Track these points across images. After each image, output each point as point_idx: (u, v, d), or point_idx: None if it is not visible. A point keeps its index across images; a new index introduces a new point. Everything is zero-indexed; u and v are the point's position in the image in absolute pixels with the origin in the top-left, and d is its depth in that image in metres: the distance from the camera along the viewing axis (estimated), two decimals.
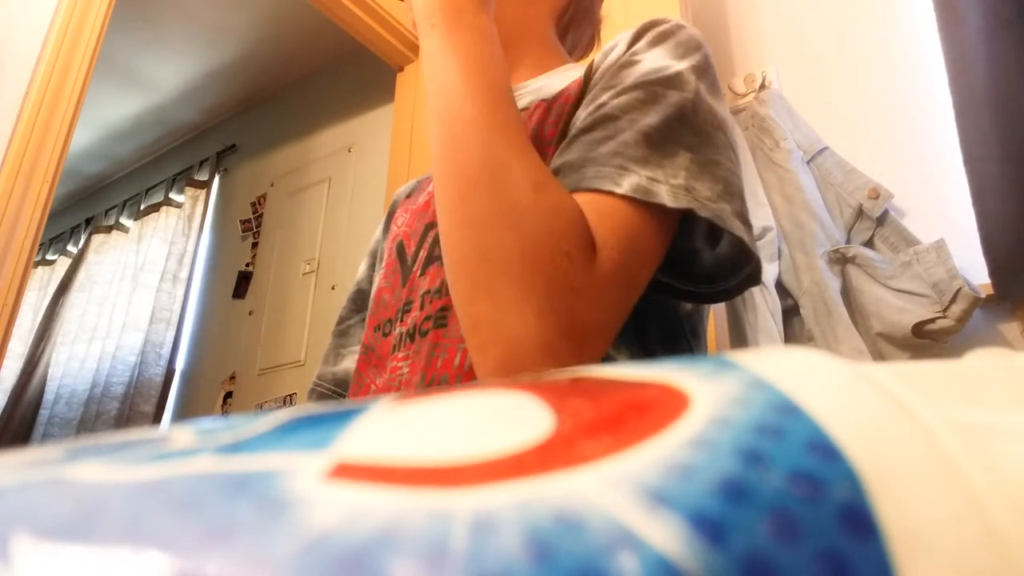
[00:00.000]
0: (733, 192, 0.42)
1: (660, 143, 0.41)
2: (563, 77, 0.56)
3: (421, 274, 0.54)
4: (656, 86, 0.43)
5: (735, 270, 0.45)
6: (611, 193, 0.39)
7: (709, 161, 0.41)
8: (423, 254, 0.56)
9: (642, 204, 0.39)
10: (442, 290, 0.50)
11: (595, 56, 0.51)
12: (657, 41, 0.47)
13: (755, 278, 0.45)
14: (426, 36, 0.43)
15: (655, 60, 0.45)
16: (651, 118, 0.42)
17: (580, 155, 0.42)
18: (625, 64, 0.46)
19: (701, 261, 0.46)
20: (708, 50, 0.47)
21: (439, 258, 0.53)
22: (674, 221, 0.41)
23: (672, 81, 0.44)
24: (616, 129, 0.42)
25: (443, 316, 0.49)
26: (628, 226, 0.38)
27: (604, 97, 0.44)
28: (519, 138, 0.39)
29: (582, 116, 0.45)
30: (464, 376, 0.46)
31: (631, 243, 0.38)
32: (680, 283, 0.46)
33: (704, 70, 0.46)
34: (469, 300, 0.37)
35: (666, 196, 0.39)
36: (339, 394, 0.64)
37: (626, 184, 0.39)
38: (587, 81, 0.50)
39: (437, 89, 0.41)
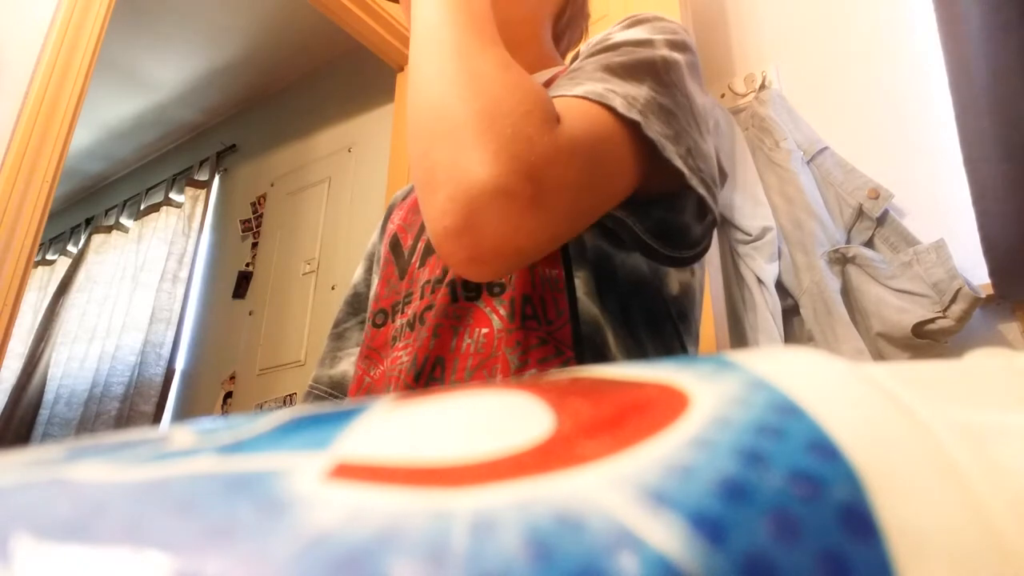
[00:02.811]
0: (681, 142, 0.42)
1: (621, 73, 0.42)
2: (551, 73, 0.58)
3: (420, 265, 0.55)
4: (627, 45, 0.45)
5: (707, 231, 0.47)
6: (564, 95, 0.40)
7: (668, 110, 0.42)
8: (421, 245, 0.56)
9: (598, 105, 0.39)
10: (443, 278, 0.51)
11: (580, 48, 0.52)
12: (634, 24, 0.49)
13: (713, 223, 0.47)
14: None
15: (630, 33, 0.47)
16: (616, 59, 0.43)
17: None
18: (601, 40, 0.48)
19: (692, 233, 0.48)
20: (689, 39, 0.49)
21: None
22: (638, 148, 0.41)
23: (644, 43, 0.45)
24: (580, 70, 0.43)
25: (437, 300, 0.50)
26: (589, 116, 0.39)
27: (576, 63, 0.46)
28: (491, 35, 0.40)
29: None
30: (460, 358, 0.47)
31: (591, 127, 0.38)
32: (669, 251, 0.48)
33: (680, 47, 0.47)
34: (427, 150, 0.37)
35: (620, 104, 0.39)
36: (335, 397, 0.64)
37: (580, 89, 0.40)
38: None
39: (417, 15, 0.42)
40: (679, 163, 0.41)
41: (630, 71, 0.42)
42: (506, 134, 0.34)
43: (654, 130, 0.40)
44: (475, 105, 0.36)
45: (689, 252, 0.48)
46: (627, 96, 0.40)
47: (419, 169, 0.37)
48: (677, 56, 0.45)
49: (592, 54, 0.45)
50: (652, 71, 0.43)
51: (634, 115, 0.39)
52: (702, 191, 0.43)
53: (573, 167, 0.37)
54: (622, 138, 0.40)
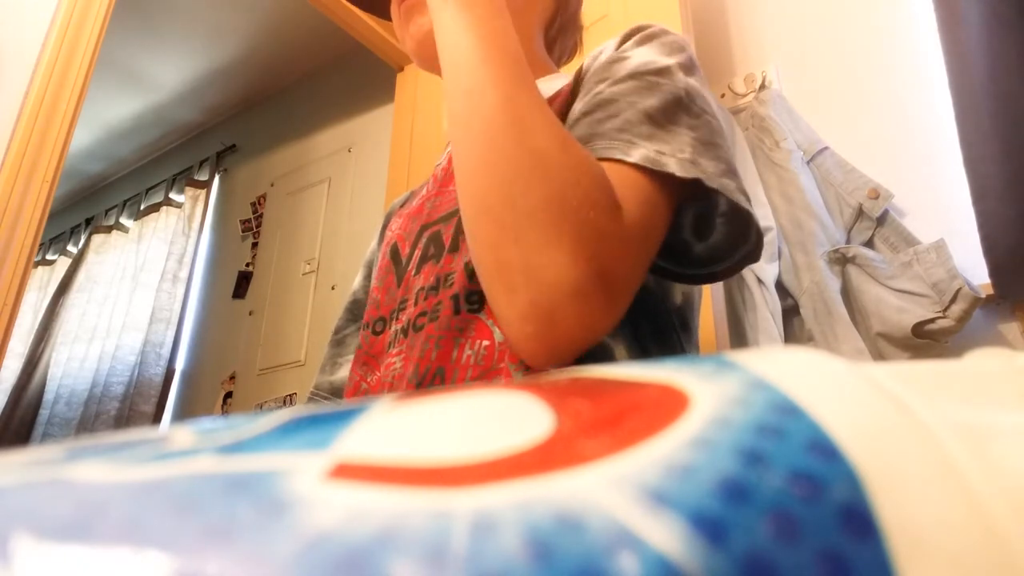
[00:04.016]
0: (734, 171, 0.43)
1: (662, 122, 0.42)
2: (550, 85, 0.57)
3: (416, 273, 0.55)
4: (649, 76, 0.45)
5: (733, 251, 0.46)
6: (622, 162, 0.40)
7: (710, 143, 0.43)
8: (417, 253, 0.56)
9: (652, 173, 0.39)
10: (437, 286, 0.51)
11: (583, 61, 0.53)
12: (644, 41, 0.49)
13: (754, 255, 0.46)
14: (438, 11, 0.43)
15: (644, 55, 0.47)
16: (651, 101, 0.43)
17: (587, 131, 0.43)
18: (615, 60, 0.47)
19: (692, 252, 0.48)
20: (692, 53, 0.50)
21: (433, 256, 0.54)
22: (677, 196, 0.42)
23: (663, 72, 0.45)
24: (618, 109, 0.43)
25: (436, 310, 0.50)
26: (643, 189, 0.39)
27: (599, 87, 0.46)
28: (538, 95, 0.39)
29: (579, 107, 0.46)
30: (460, 369, 0.47)
31: (647, 204, 0.39)
32: (676, 268, 0.48)
33: (691, 68, 0.47)
34: (494, 245, 0.36)
35: (675, 166, 0.40)
36: None
37: (636, 155, 0.40)
38: (577, 84, 0.51)
39: (451, 57, 0.41)
40: (745, 202, 0.41)
41: (668, 116, 0.43)
42: (578, 230, 0.34)
43: (712, 175, 0.40)
44: (542, 194, 0.35)
45: (700, 269, 0.48)
46: (676, 152, 0.40)
47: (489, 265, 0.37)
48: (693, 81, 0.46)
49: (615, 80, 0.45)
50: (683, 107, 0.44)
51: (691, 173, 0.39)
52: (756, 222, 0.43)
53: (635, 251, 0.37)
54: (670, 194, 0.41)
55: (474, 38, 0.40)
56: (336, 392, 0.65)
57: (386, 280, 0.59)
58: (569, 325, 0.34)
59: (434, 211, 0.57)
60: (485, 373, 0.46)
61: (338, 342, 0.68)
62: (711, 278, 0.49)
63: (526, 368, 0.45)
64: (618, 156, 0.40)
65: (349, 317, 0.69)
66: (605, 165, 0.39)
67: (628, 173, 0.39)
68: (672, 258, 0.47)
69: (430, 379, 0.48)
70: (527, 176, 0.36)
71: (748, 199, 0.43)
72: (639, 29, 0.50)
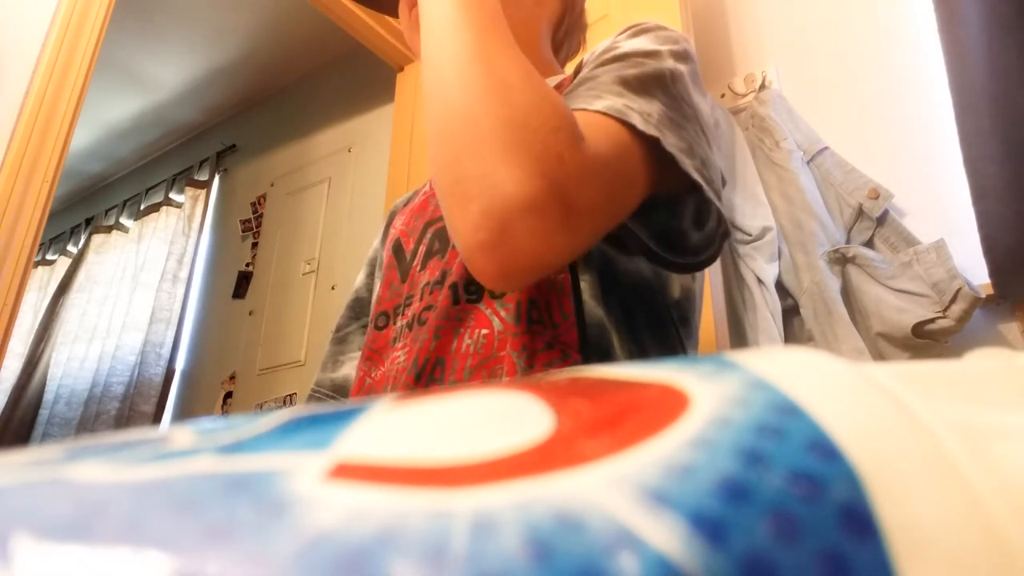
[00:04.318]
0: (695, 154, 0.43)
1: (636, 88, 0.43)
2: (553, 82, 0.58)
3: (421, 268, 0.55)
4: (636, 56, 0.46)
5: (715, 239, 0.47)
6: (585, 109, 0.40)
7: (677, 123, 0.43)
8: (422, 249, 0.57)
9: (617, 121, 0.40)
10: (442, 281, 0.51)
11: (583, 56, 0.53)
12: (639, 33, 0.49)
13: (726, 233, 0.47)
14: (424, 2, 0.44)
15: (637, 43, 0.47)
16: (630, 71, 0.44)
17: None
18: (608, 50, 0.48)
19: (690, 240, 0.48)
20: (690, 47, 0.50)
21: (439, 252, 0.54)
22: (650, 161, 0.41)
23: (651, 54, 0.46)
24: (595, 80, 0.44)
25: (438, 302, 0.50)
26: (610, 132, 0.39)
27: (585, 71, 0.47)
28: (510, 39, 0.40)
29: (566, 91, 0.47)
30: (460, 359, 0.47)
31: (614, 145, 0.39)
32: (670, 256, 0.48)
33: (683, 57, 0.48)
34: (454, 160, 0.36)
35: (638, 120, 0.40)
36: (337, 400, 0.65)
37: (600, 104, 0.40)
38: (576, 75, 0.52)
39: (430, 19, 0.42)
40: (696, 175, 0.41)
41: (643, 84, 0.43)
42: (537, 150, 0.35)
43: (671, 144, 0.41)
44: (503, 115, 0.35)
45: (692, 259, 0.49)
46: (643, 112, 0.41)
47: (446, 179, 0.37)
48: (681, 67, 0.46)
49: (602, 63, 0.46)
50: (662, 84, 0.44)
51: (652, 131, 0.40)
52: (716, 202, 0.43)
53: (599, 185, 0.37)
54: (639, 152, 0.40)
55: (455, 5, 0.41)
56: (337, 389, 0.65)
57: (388, 275, 0.60)
58: (521, 238, 0.34)
59: (439, 208, 0.58)
60: (484, 362, 0.46)
61: (340, 340, 0.68)
62: (698, 266, 0.49)
63: (528, 355, 0.45)
64: (582, 105, 0.40)
65: (351, 315, 0.69)
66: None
67: (594, 117, 0.40)
68: (672, 249, 0.48)
69: (430, 369, 0.48)
70: (490, 99, 0.36)
71: (709, 183, 0.43)
72: (637, 24, 0.50)
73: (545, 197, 0.34)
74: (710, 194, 0.42)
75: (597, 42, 0.54)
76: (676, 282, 0.53)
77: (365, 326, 0.67)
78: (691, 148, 0.42)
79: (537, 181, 0.34)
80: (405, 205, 0.70)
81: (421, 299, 0.53)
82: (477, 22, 0.39)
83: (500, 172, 0.34)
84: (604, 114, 0.40)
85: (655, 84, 0.43)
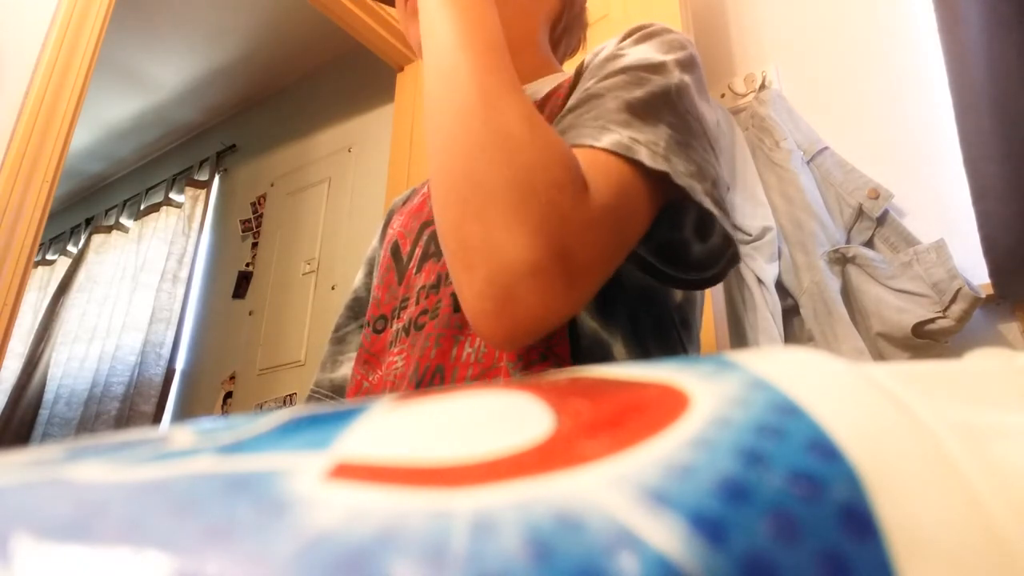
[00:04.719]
0: (706, 176, 0.42)
1: (642, 114, 0.42)
2: (554, 82, 0.57)
3: (417, 271, 0.55)
4: (641, 71, 0.45)
5: (722, 257, 0.46)
6: (591, 147, 0.40)
7: (685, 143, 0.42)
8: (419, 251, 0.56)
9: (623, 159, 0.39)
10: (438, 284, 0.51)
11: (585, 57, 0.52)
12: (644, 39, 0.48)
13: (736, 258, 0.46)
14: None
15: (641, 53, 0.46)
16: (635, 93, 0.43)
17: (568, 124, 0.43)
18: (612, 57, 0.47)
19: (691, 252, 0.47)
20: (694, 51, 0.49)
21: (434, 255, 0.54)
22: (656, 192, 0.41)
23: (657, 68, 0.45)
24: (600, 103, 0.43)
25: (437, 308, 0.50)
26: (614, 173, 0.39)
27: (590, 83, 0.46)
28: (513, 81, 0.39)
29: (569, 103, 0.46)
30: (460, 367, 0.47)
31: (619, 189, 0.39)
32: (671, 270, 0.47)
33: (689, 65, 0.47)
34: (458, 224, 0.36)
35: (645, 156, 0.39)
36: (336, 401, 0.64)
37: (606, 140, 0.40)
38: (577, 79, 0.51)
39: (432, 41, 0.42)
40: (709, 204, 0.41)
41: (649, 108, 0.42)
42: (541, 212, 0.34)
43: (680, 173, 0.40)
44: (506, 175, 0.35)
45: (696, 275, 0.48)
46: (650, 143, 0.40)
47: (451, 242, 0.37)
48: (687, 79, 0.45)
49: (607, 76, 0.45)
50: (668, 103, 0.43)
51: (661, 165, 0.39)
52: (728, 226, 0.43)
53: (603, 238, 0.37)
54: (647, 187, 0.40)
55: (455, 24, 0.41)
56: (336, 390, 0.65)
57: (387, 278, 0.60)
58: (526, 305, 0.34)
59: None
60: (485, 372, 0.46)
61: (339, 340, 0.68)
62: (701, 284, 0.48)
63: (524, 366, 0.45)
64: (588, 142, 0.40)
65: (350, 315, 0.69)
66: (577, 152, 0.39)
67: (599, 157, 0.39)
68: (670, 259, 0.47)
69: (430, 377, 0.48)
70: (492, 155, 0.36)
71: (718, 203, 0.42)
72: (641, 28, 0.49)
73: (548, 261, 0.34)
74: (723, 220, 0.42)
75: (596, 43, 0.54)
76: None
77: (364, 326, 0.67)
78: (701, 170, 0.42)
79: (540, 245, 0.34)
80: (403, 204, 0.69)
81: (417, 303, 0.53)
82: (480, 62, 0.39)
83: (503, 238, 0.34)
84: (610, 152, 0.39)
85: (662, 104, 0.43)
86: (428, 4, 0.43)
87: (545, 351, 0.45)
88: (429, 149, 0.40)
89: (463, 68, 0.39)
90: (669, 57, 0.46)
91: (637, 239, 0.41)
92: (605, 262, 0.38)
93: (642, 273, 0.49)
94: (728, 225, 0.43)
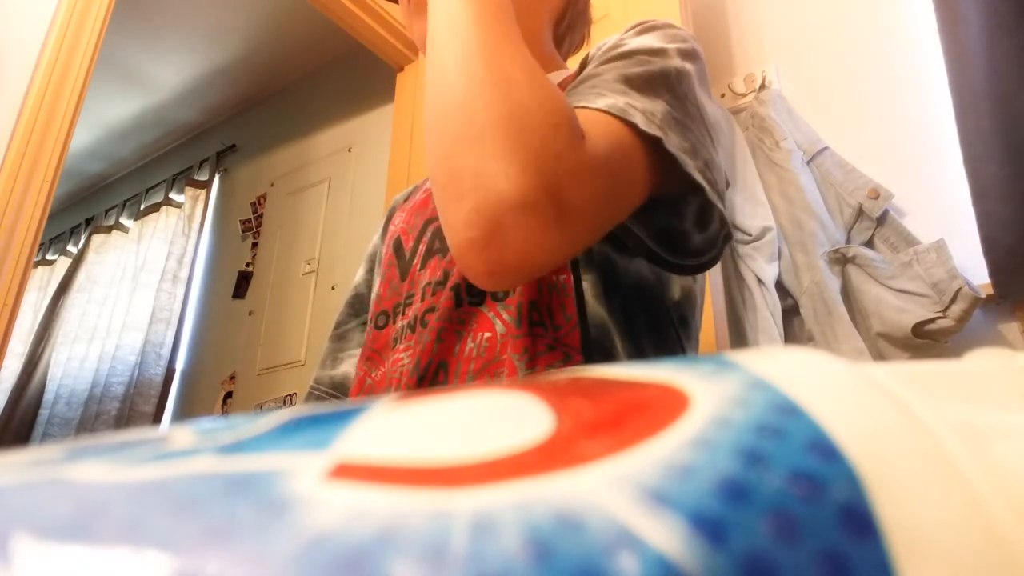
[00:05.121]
0: (699, 155, 0.42)
1: (640, 86, 0.42)
2: (558, 78, 0.58)
3: (422, 267, 0.55)
4: (642, 54, 0.45)
5: (717, 241, 0.47)
6: (587, 107, 0.40)
7: (682, 122, 0.43)
8: (422, 248, 0.56)
9: (620, 120, 0.39)
10: (444, 281, 0.51)
11: (589, 51, 0.52)
12: (647, 31, 0.49)
13: (728, 237, 0.47)
14: None
15: (644, 41, 0.47)
16: (634, 69, 0.43)
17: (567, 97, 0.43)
18: (614, 46, 0.48)
19: (692, 241, 0.47)
20: (697, 45, 0.49)
21: (439, 251, 0.54)
22: (654, 163, 0.41)
23: (658, 52, 0.45)
24: (598, 79, 0.43)
25: (441, 304, 0.50)
26: (611, 131, 0.39)
27: (590, 68, 0.46)
28: (515, 32, 0.40)
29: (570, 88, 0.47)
30: (463, 363, 0.47)
31: (615, 144, 0.39)
32: (671, 258, 0.48)
33: (690, 56, 0.47)
34: (450, 153, 0.36)
35: (640, 120, 0.39)
36: (336, 398, 0.64)
37: (602, 102, 0.40)
38: (581, 70, 0.51)
39: (438, 8, 0.42)
40: (699, 177, 0.41)
41: (648, 83, 0.42)
42: (534, 148, 0.34)
43: (674, 144, 0.40)
44: (503, 111, 0.35)
45: (692, 260, 0.48)
46: (646, 111, 0.40)
47: (441, 172, 0.36)
48: (688, 66, 0.46)
49: (607, 60, 0.45)
50: (667, 83, 0.43)
51: (654, 131, 0.39)
52: (719, 204, 0.43)
53: (596, 184, 0.37)
54: (641, 152, 0.40)
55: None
56: (336, 387, 0.65)
57: (389, 274, 0.59)
58: (514, 237, 0.34)
59: None
60: (487, 366, 0.46)
61: (339, 336, 0.68)
62: (699, 268, 0.49)
63: (529, 358, 0.45)
64: (583, 103, 0.40)
65: (350, 311, 0.69)
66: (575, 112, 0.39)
67: (594, 115, 0.39)
68: (673, 250, 0.47)
69: (432, 372, 0.48)
70: (490, 93, 0.36)
71: (709, 181, 0.42)
72: (644, 22, 0.50)
73: (538, 195, 0.34)
74: (712, 196, 0.42)
75: (597, 43, 0.54)
76: (676, 283, 0.52)
77: (365, 323, 0.67)
78: (695, 149, 0.42)
79: (531, 179, 0.34)
80: (405, 201, 0.69)
81: (423, 299, 0.53)
82: (483, 14, 0.39)
83: (494, 169, 0.34)
84: (606, 112, 0.39)
85: (660, 83, 0.43)
86: None
87: (553, 342, 0.45)
88: (428, 89, 0.40)
89: (467, 19, 0.39)
90: (671, 45, 0.46)
91: (632, 201, 0.41)
92: (596, 209, 0.37)
93: (641, 259, 0.49)
94: (720, 204, 0.43)
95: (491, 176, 0.34)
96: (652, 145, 0.40)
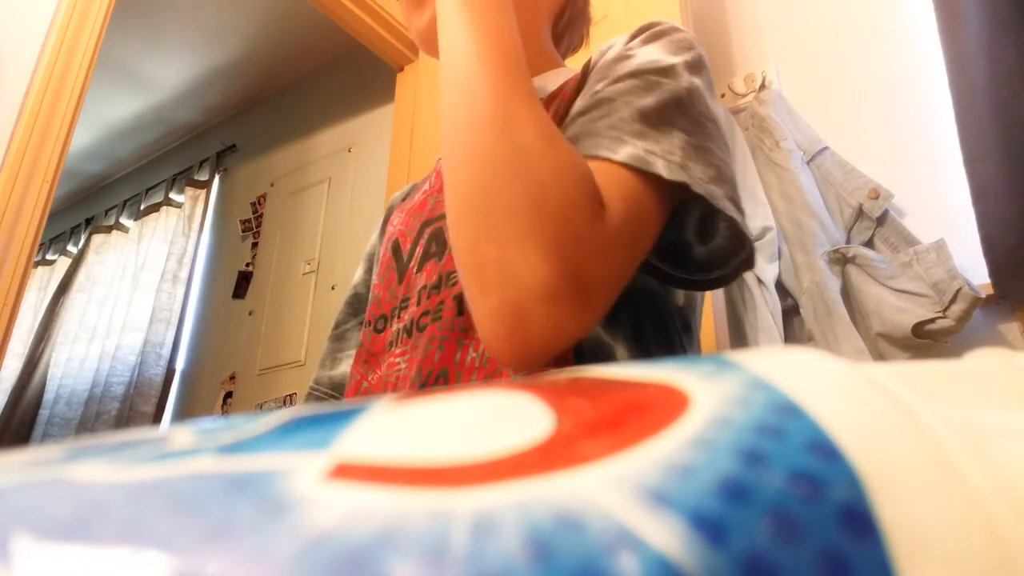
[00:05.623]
0: (724, 179, 0.42)
1: (656, 122, 0.42)
2: (557, 79, 0.57)
3: (418, 271, 0.55)
4: (651, 75, 0.44)
5: (730, 258, 0.45)
6: (609, 160, 0.39)
7: (702, 147, 0.42)
8: (419, 251, 0.56)
9: (639, 172, 0.39)
10: (440, 285, 0.51)
11: (592, 55, 0.52)
12: (652, 39, 0.48)
13: (749, 263, 0.46)
14: (441, 3, 0.43)
15: (650, 54, 0.46)
16: (647, 100, 0.43)
17: (579, 130, 0.43)
18: (620, 58, 0.47)
19: (693, 253, 0.47)
20: (702, 51, 0.48)
21: (436, 254, 0.54)
22: (669, 200, 0.41)
23: (667, 71, 0.45)
24: (612, 109, 0.43)
25: (439, 310, 0.50)
26: (629, 189, 0.39)
27: (600, 86, 0.45)
28: (530, 94, 0.39)
29: (578, 105, 0.46)
30: (464, 372, 0.47)
31: (633, 205, 0.38)
32: (675, 271, 0.47)
33: (698, 67, 0.47)
34: (473, 243, 0.36)
35: (662, 167, 0.39)
36: (336, 398, 0.64)
37: (623, 152, 0.39)
38: (584, 77, 0.50)
39: (449, 52, 0.41)
40: (732, 210, 0.41)
41: (663, 116, 0.42)
42: (555, 233, 0.34)
43: (699, 180, 0.40)
44: (521, 192, 0.35)
45: (701, 276, 0.47)
46: (666, 153, 0.40)
47: (467, 263, 0.37)
48: (697, 81, 0.45)
49: (617, 79, 0.45)
50: (681, 108, 0.43)
51: (679, 176, 0.39)
52: (746, 230, 0.43)
53: (618, 258, 0.37)
54: (661, 198, 0.40)
55: (473, 34, 0.40)
56: (335, 387, 0.65)
57: (387, 277, 0.59)
58: (539, 327, 0.34)
59: (436, 207, 0.57)
60: (490, 376, 0.46)
61: (338, 336, 0.68)
62: (707, 285, 0.48)
63: (526, 372, 0.44)
64: (605, 154, 0.40)
65: (349, 311, 0.69)
66: (592, 164, 0.39)
67: (615, 171, 0.39)
68: (672, 260, 0.47)
69: (433, 381, 0.48)
70: (508, 173, 0.36)
71: (737, 206, 0.42)
72: (648, 27, 0.49)
73: (561, 282, 0.34)
74: (743, 227, 0.42)
75: (597, 44, 0.53)
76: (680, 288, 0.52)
77: (364, 325, 0.67)
78: (720, 173, 0.42)
79: (555, 267, 0.34)
80: (403, 200, 0.69)
81: (418, 303, 0.52)
82: (492, 65, 0.39)
83: (518, 261, 0.34)
84: (627, 166, 0.39)
85: (675, 109, 0.43)
86: (445, 11, 0.42)
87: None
88: (445, 164, 0.39)
89: (481, 83, 0.38)
90: (678, 59, 0.46)
91: (648, 251, 0.41)
92: (619, 280, 0.38)
93: (647, 275, 0.48)
94: (746, 228, 0.43)
95: (515, 268, 0.34)
96: (676, 186, 0.40)
